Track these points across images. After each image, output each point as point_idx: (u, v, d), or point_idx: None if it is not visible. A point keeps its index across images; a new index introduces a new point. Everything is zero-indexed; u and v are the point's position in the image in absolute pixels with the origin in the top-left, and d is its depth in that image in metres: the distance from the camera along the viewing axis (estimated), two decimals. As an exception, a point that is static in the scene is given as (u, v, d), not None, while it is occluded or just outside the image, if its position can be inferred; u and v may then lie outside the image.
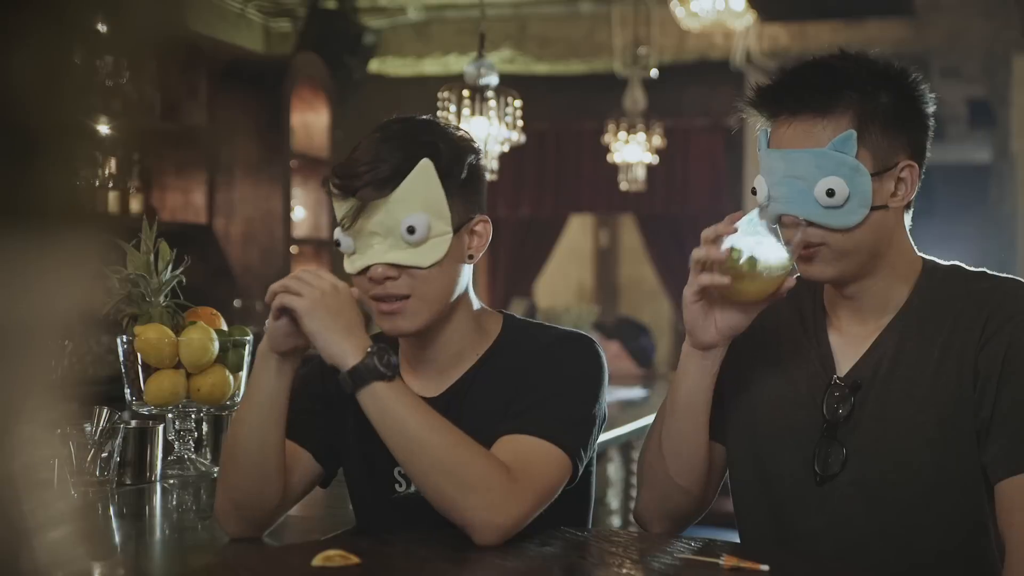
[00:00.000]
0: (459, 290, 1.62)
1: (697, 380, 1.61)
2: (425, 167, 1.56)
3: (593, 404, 1.61)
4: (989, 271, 1.64)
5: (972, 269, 1.65)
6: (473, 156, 1.63)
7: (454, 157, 1.60)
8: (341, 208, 1.58)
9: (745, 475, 1.70)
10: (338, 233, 1.59)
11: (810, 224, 1.55)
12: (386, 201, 1.55)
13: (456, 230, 1.58)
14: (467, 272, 1.64)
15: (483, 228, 1.64)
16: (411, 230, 1.55)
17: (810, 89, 1.56)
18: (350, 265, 1.60)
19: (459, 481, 1.47)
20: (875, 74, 1.57)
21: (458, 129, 1.67)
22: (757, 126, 1.63)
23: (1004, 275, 1.62)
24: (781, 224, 1.57)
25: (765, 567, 1.36)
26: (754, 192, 1.61)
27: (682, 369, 1.63)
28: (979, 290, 1.59)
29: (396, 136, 1.59)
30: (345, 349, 1.50)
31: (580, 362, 1.63)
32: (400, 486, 1.63)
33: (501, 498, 1.46)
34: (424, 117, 1.67)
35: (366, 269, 1.57)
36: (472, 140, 1.66)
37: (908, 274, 1.62)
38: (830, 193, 1.52)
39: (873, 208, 1.54)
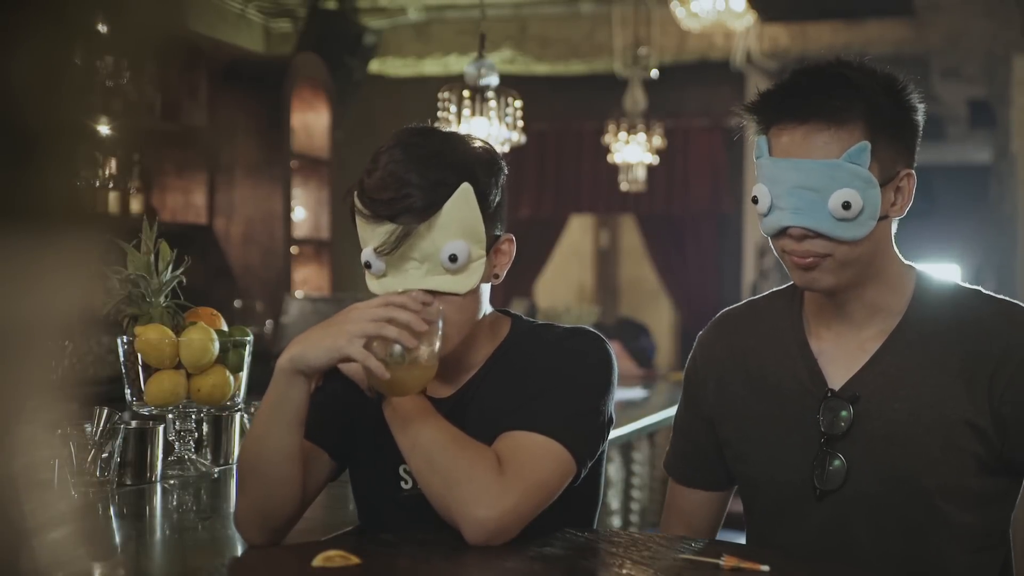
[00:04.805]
0: (484, 310, 1.61)
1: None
2: (465, 192, 1.53)
3: (599, 399, 1.58)
4: (984, 290, 1.61)
5: (967, 286, 1.62)
6: (503, 175, 1.60)
7: (489, 179, 1.57)
8: (373, 231, 1.53)
9: (745, 491, 1.70)
10: (369, 255, 1.54)
11: (817, 236, 1.51)
12: (427, 227, 1.51)
13: (487, 252, 1.57)
14: (488, 289, 1.62)
15: (508, 247, 1.62)
16: (453, 258, 1.52)
17: (822, 96, 1.50)
18: (380, 287, 1.55)
19: (445, 476, 1.46)
20: (878, 83, 1.53)
21: (483, 143, 1.62)
22: (751, 132, 1.57)
23: (1002, 297, 1.60)
24: (786, 235, 1.53)
25: (765, 567, 1.35)
26: (755, 201, 1.55)
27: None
28: (986, 315, 1.57)
29: (428, 156, 1.53)
30: None
31: (585, 356, 1.61)
32: (406, 484, 1.63)
33: (484, 490, 1.44)
34: (446, 130, 1.63)
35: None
36: (498, 156, 1.62)
37: (898, 282, 1.60)
38: (846, 206, 1.48)
39: (879, 219, 1.51)
